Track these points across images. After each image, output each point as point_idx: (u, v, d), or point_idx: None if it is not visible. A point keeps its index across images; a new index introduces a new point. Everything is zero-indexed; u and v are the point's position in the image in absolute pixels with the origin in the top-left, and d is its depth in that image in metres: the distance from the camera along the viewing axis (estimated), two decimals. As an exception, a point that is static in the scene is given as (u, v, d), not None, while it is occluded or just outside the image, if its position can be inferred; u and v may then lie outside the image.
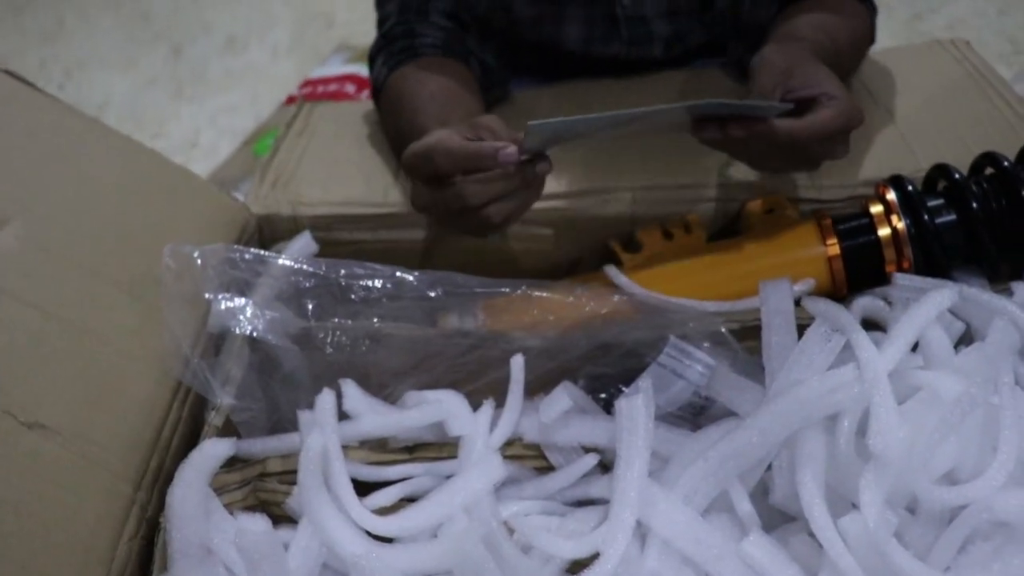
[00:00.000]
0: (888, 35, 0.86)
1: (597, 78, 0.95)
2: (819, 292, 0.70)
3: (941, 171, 0.71)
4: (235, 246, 0.62)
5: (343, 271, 0.59)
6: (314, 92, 1.66)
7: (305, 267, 0.59)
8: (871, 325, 0.64)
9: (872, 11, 0.87)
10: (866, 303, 0.65)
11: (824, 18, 0.78)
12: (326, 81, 1.69)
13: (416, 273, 0.60)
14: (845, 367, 0.48)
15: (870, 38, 0.87)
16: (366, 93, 1.58)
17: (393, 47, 0.86)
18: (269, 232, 0.82)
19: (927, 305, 0.50)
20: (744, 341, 0.64)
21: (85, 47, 2.79)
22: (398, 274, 0.59)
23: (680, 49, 0.97)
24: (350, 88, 1.64)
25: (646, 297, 0.70)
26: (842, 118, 0.63)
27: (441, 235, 0.81)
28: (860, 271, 0.70)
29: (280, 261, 0.59)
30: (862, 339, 0.49)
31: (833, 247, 0.71)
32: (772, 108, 0.62)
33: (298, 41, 2.75)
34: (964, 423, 0.45)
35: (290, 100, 1.68)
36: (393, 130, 0.83)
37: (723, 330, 0.63)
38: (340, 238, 0.80)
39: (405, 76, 0.82)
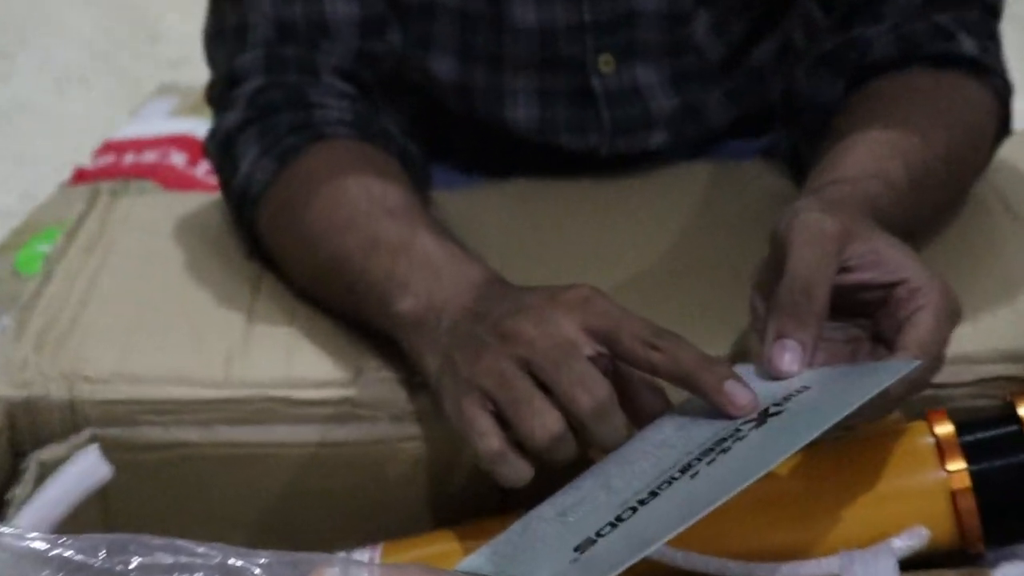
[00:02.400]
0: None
1: (564, 172, 0.96)
2: (936, 547, 0.68)
3: None
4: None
5: (136, 559, 0.52)
6: (119, 164, 1.60)
7: (70, 552, 0.52)
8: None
9: (1002, 94, 0.86)
10: (1019, 576, 0.64)
11: (905, 134, 0.77)
12: (139, 145, 1.64)
13: (264, 559, 0.54)
14: None
15: (994, 136, 0.87)
16: (204, 168, 1.52)
17: (274, 123, 0.85)
18: (28, 428, 0.77)
19: None
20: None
21: None
22: (230, 561, 0.53)
23: (694, 132, 0.98)
24: (178, 159, 1.59)
25: (662, 556, 0.67)
26: (944, 322, 0.64)
27: (330, 435, 0.77)
28: (1005, 513, 0.69)
29: (27, 544, 0.52)
30: None
31: (960, 476, 0.68)
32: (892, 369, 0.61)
33: (101, 63, 2.68)
34: None
35: (79, 177, 1.62)
36: (307, 254, 0.82)
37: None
38: (151, 439, 0.77)
39: (319, 168, 0.82)
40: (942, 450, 0.69)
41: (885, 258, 0.65)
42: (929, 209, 0.81)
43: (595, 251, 0.88)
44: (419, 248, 0.73)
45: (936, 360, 0.65)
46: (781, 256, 0.65)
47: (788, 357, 0.63)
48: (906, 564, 0.64)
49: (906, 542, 0.66)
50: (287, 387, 0.77)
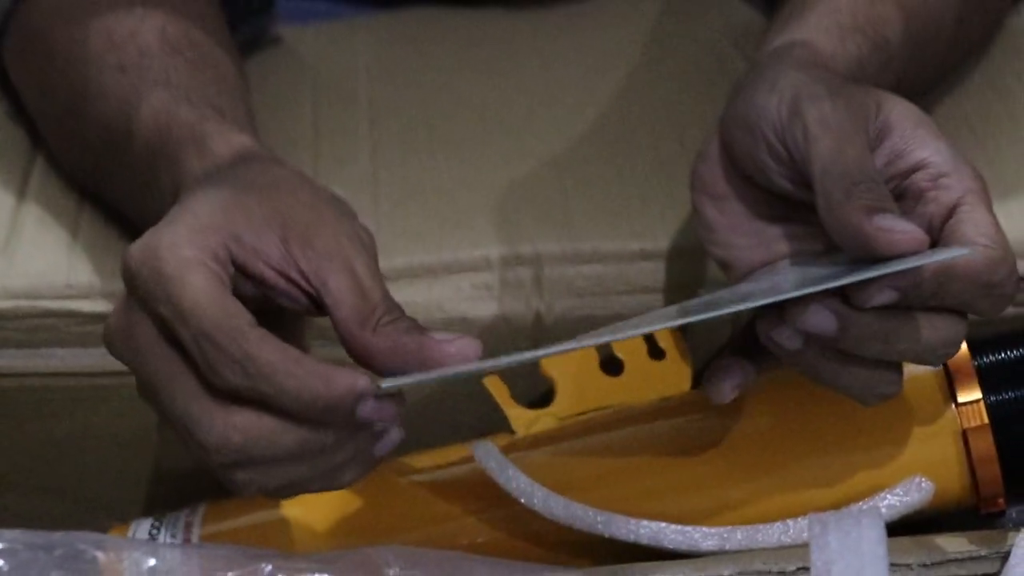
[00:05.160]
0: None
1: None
2: (942, 504, 0.70)
3: None
4: None
5: None
6: None
7: None
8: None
9: None
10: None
11: None
12: None
13: (3, 543, 0.56)
14: None
15: None
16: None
17: None
18: None
19: None
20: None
21: None
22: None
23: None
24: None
25: (566, 517, 0.69)
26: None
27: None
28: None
29: None
30: None
31: (974, 409, 0.69)
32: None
33: None
34: None
35: None
36: (66, 115, 0.81)
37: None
38: None
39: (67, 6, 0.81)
40: (951, 376, 0.70)
41: (896, 131, 0.63)
42: (930, 75, 0.81)
43: (497, 103, 0.88)
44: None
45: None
46: (752, 137, 0.65)
47: (897, 231, 0.57)
48: (902, 527, 0.64)
49: (901, 499, 0.67)
50: (67, 297, 0.76)
